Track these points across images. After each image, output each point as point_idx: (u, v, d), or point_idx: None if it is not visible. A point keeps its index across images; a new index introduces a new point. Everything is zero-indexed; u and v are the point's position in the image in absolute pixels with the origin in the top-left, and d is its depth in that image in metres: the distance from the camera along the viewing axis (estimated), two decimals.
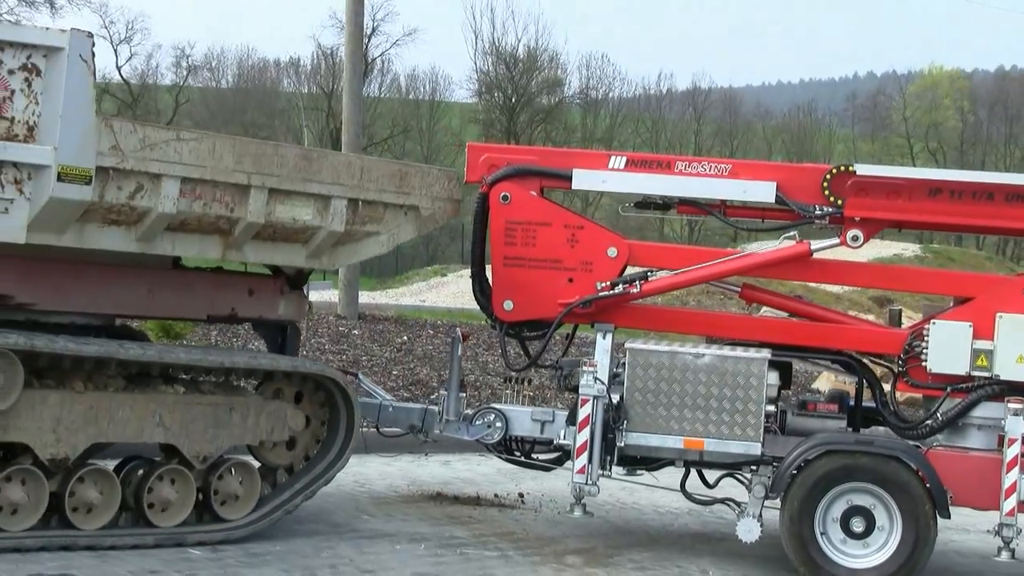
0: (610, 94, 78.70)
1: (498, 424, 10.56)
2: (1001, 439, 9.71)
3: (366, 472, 10.88)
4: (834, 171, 10.19)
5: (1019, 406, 9.47)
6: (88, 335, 9.29)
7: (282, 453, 10.18)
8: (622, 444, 9.90)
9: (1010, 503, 9.36)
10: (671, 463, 10.31)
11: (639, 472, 10.55)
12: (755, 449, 9.75)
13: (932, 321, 9.94)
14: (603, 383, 9.97)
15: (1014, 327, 9.73)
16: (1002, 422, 9.61)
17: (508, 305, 10.47)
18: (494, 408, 10.67)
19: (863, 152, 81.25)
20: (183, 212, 9.13)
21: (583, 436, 9.81)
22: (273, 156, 9.56)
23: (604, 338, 10.26)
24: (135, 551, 9.04)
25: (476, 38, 72.06)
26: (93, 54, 8.59)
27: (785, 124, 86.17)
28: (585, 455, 9.80)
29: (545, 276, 10.36)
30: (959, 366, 9.79)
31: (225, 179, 9.25)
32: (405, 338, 20.60)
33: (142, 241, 9.16)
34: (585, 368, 9.92)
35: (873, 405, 10.34)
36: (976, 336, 9.76)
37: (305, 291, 10.90)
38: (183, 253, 9.60)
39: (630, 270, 10.54)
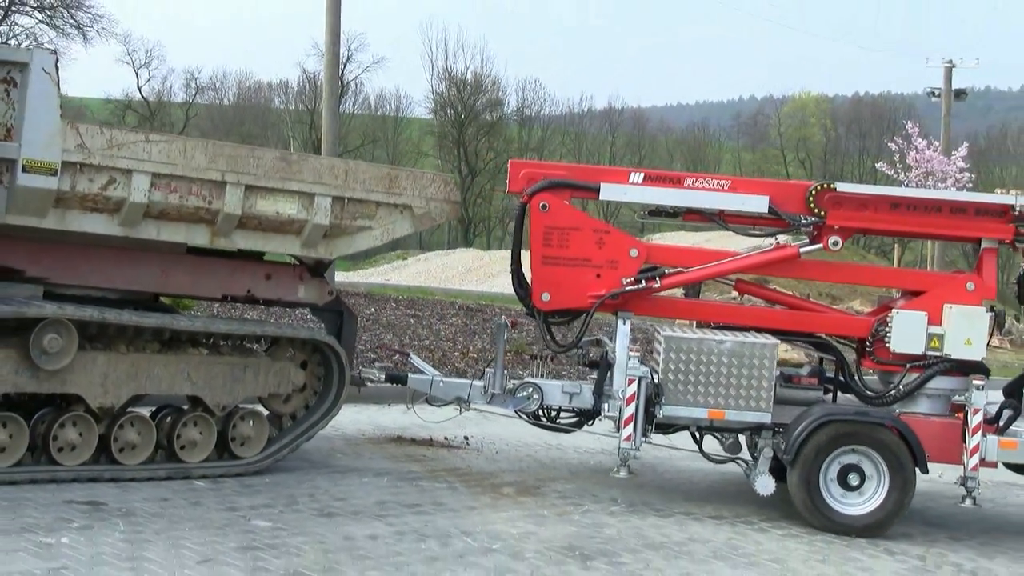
0: (541, 112, 78.72)
1: (535, 396, 10.23)
2: (953, 406, 9.83)
3: (339, 419, 10.89)
4: (817, 188, 9.97)
5: (981, 382, 9.52)
6: (125, 308, 9.23)
7: (286, 403, 10.09)
8: (660, 416, 9.67)
9: (973, 460, 9.39)
10: (685, 428, 10.12)
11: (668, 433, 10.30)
12: (766, 418, 9.61)
13: (894, 311, 9.88)
14: (648, 366, 9.72)
15: (961, 316, 9.71)
16: (954, 394, 9.77)
17: (545, 297, 10.05)
18: (532, 382, 10.29)
19: (745, 161, 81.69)
20: (159, 203, 8.95)
21: (629, 410, 9.54)
22: (249, 158, 9.31)
23: (624, 324, 9.93)
24: (150, 482, 9.05)
25: (432, 65, 72.17)
26: (57, 68, 8.52)
27: (683, 137, 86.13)
28: (631, 425, 9.54)
29: (577, 272, 10.00)
30: (917, 347, 9.74)
31: (199, 176, 9.04)
32: (372, 310, 20.10)
33: (125, 226, 8.98)
34: (631, 353, 9.68)
35: (841, 379, 10.25)
36: (930, 323, 9.74)
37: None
38: (169, 239, 9.26)
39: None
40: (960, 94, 45.22)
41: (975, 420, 9.46)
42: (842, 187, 10.06)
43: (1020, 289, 10.31)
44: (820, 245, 10.04)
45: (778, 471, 9.71)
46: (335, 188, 9.66)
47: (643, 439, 9.71)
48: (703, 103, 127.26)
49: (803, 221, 10.01)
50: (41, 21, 51.53)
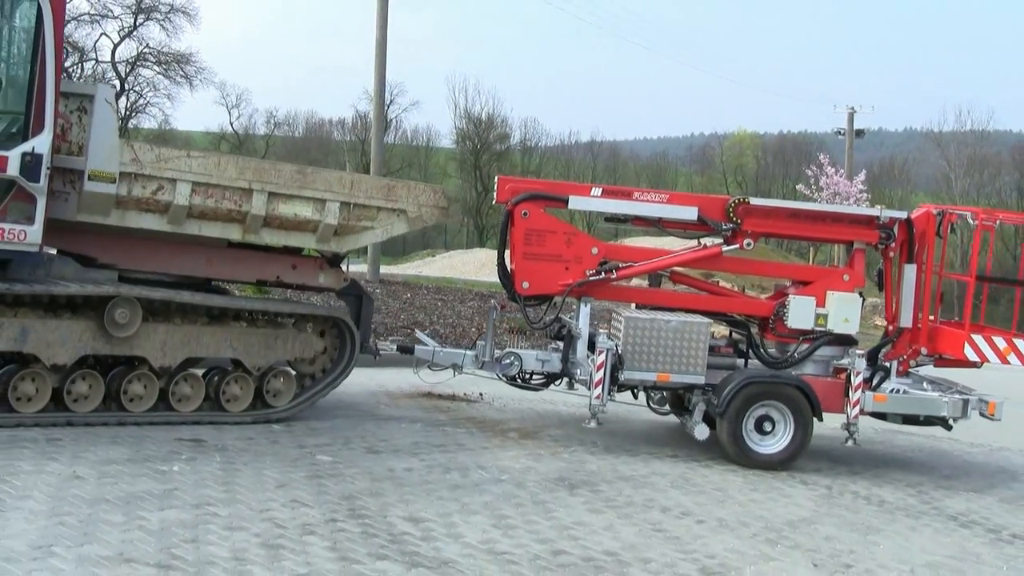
0: (539, 143, 78.26)
1: (516, 362, 9.89)
2: (835, 369, 9.77)
3: (382, 379, 10.84)
4: (735, 202, 9.76)
5: (861, 352, 9.65)
6: (181, 291, 8.91)
7: (311, 365, 9.69)
8: (622, 379, 9.42)
9: (855, 411, 9.41)
10: (635, 388, 9.83)
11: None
12: (701, 379, 9.41)
13: (790, 296, 9.81)
14: (613, 340, 9.46)
15: (840, 300, 9.68)
16: (834, 359, 9.74)
17: (525, 285, 9.69)
18: (514, 352, 9.97)
19: (696, 183, 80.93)
20: (198, 205, 8.61)
21: (599, 374, 9.29)
22: (271, 170, 8.90)
23: (585, 306, 9.70)
24: (239, 425, 9.01)
25: (455, 107, 71.99)
26: (117, 98, 8.44)
27: (648, 164, 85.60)
28: (600, 387, 9.30)
29: (550, 266, 9.66)
30: (807, 324, 9.71)
31: (230, 184, 8.68)
32: (408, 295, 20.26)
33: (172, 224, 8.66)
34: (600, 331, 9.33)
35: (747, 348, 10.04)
36: (817, 305, 9.70)
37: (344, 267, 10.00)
38: (209, 234, 8.89)
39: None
40: (860, 133, 45.65)
41: (857, 380, 9.46)
42: (754, 201, 9.91)
43: (880, 279, 10.34)
44: (737, 245, 9.84)
45: (707, 420, 9.51)
46: (342, 195, 9.19)
47: (608, 397, 9.51)
48: (663, 138, 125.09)
49: (724, 227, 9.79)
50: (158, 73, 52.36)
